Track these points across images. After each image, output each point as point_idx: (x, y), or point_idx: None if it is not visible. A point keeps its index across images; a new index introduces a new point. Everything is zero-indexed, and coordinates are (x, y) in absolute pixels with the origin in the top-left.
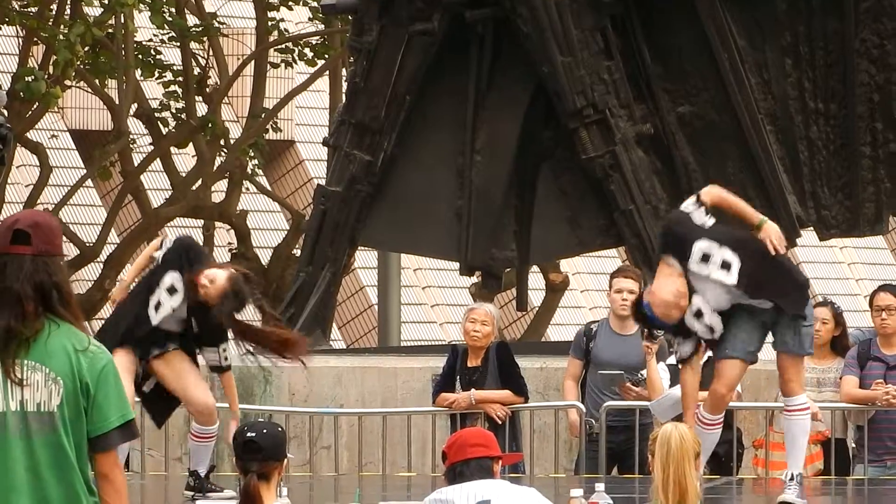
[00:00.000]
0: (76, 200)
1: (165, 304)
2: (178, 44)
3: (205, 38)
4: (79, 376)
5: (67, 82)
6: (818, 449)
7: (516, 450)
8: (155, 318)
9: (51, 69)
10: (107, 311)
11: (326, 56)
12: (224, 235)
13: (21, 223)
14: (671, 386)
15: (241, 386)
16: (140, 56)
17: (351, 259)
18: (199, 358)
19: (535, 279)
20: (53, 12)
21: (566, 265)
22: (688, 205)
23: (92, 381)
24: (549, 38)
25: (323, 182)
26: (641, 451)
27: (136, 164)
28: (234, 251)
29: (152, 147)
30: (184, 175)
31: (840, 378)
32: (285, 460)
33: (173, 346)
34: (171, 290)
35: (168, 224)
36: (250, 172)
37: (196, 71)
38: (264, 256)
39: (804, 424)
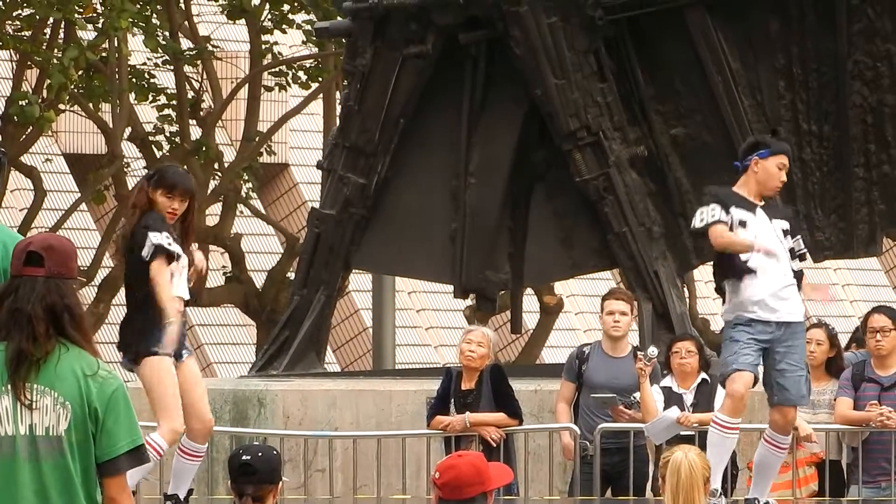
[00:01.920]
0: (70, 224)
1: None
2: (172, 67)
3: (198, 62)
4: (87, 401)
5: (61, 106)
6: (813, 471)
7: None
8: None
9: (45, 93)
10: (102, 333)
11: (320, 79)
12: (218, 259)
13: (35, 245)
14: (665, 408)
15: (236, 409)
16: (134, 80)
17: (345, 282)
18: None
19: (530, 302)
20: (47, 36)
21: (560, 288)
22: None
23: (101, 406)
24: (543, 60)
25: (317, 205)
26: (635, 472)
27: (130, 188)
28: (229, 274)
29: (146, 171)
30: None
31: (834, 399)
32: (280, 483)
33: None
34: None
35: None
36: (244, 196)
37: (190, 94)
38: (258, 280)
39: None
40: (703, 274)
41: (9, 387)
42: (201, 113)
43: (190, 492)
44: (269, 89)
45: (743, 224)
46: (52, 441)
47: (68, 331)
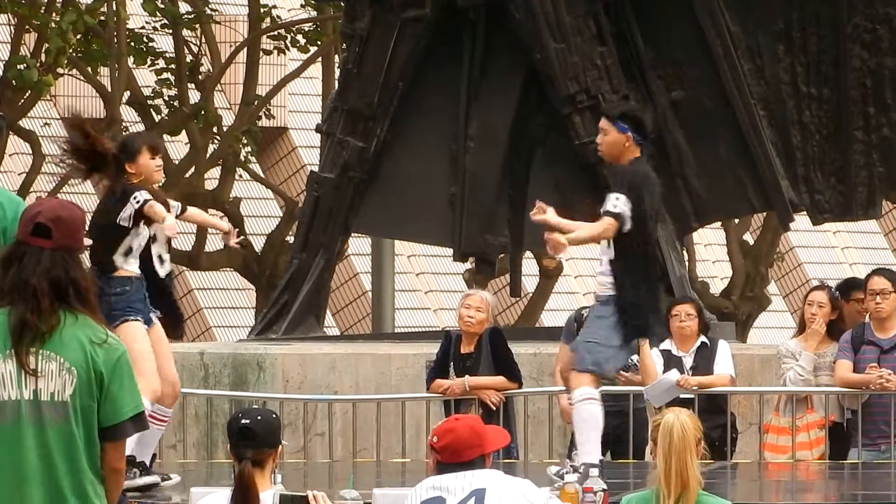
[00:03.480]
0: (69, 189)
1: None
2: (171, 31)
3: (197, 26)
4: (93, 367)
5: (60, 70)
6: (822, 434)
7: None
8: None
9: (43, 57)
10: None
11: (319, 43)
12: None
13: (43, 216)
14: (664, 371)
15: (235, 373)
16: (132, 43)
17: (344, 246)
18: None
19: (529, 265)
20: (45, 0)
21: None
22: None
23: (107, 372)
24: (542, 24)
25: (316, 169)
26: (635, 435)
27: None
28: None
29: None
30: (177, 163)
31: (834, 362)
32: (280, 447)
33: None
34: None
35: None
36: (243, 160)
37: (188, 58)
38: (258, 243)
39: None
40: (703, 237)
41: (13, 352)
42: (200, 77)
43: (154, 457)
44: (268, 53)
45: None
46: (56, 406)
47: (74, 303)
